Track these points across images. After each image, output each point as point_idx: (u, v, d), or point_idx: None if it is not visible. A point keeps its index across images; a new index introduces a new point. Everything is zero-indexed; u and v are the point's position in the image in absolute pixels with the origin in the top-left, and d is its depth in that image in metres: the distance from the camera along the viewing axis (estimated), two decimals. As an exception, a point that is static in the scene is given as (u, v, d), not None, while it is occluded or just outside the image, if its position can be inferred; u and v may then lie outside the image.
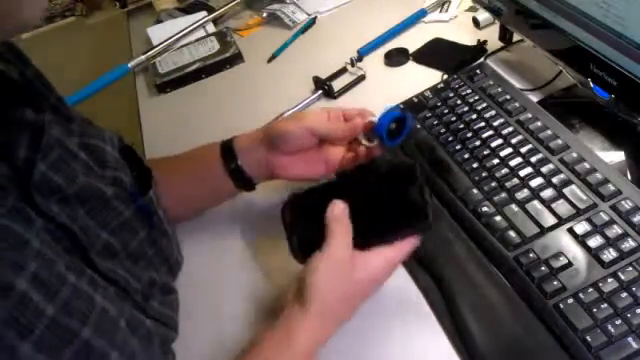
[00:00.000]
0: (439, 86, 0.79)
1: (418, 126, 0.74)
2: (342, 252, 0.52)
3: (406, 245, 0.53)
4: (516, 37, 0.83)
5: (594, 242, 0.55)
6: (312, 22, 1.10)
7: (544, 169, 0.62)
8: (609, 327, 0.49)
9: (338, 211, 0.53)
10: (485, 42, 0.88)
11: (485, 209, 0.61)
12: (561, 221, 0.58)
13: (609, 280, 0.52)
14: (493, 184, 0.63)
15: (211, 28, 1.15)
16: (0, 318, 0.35)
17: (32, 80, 0.49)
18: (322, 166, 0.65)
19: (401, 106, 0.64)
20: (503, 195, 0.62)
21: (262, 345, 0.50)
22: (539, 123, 0.67)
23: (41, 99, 0.47)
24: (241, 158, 0.65)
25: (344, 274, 0.52)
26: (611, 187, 0.58)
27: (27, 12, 0.39)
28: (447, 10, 1.00)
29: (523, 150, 0.65)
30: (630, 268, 0.52)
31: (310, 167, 0.65)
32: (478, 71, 0.78)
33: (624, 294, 0.50)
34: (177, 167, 0.70)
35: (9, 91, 0.45)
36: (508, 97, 0.72)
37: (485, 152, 0.67)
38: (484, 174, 0.65)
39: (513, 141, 0.66)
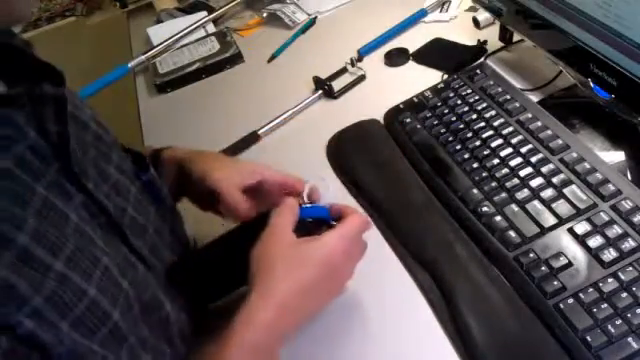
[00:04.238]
0: (439, 86, 0.79)
1: (418, 126, 0.74)
2: (288, 236, 0.51)
3: (353, 221, 0.53)
4: (516, 37, 0.83)
5: (594, 242, 0.55)
6: (312, 22, 1.10)
7: (544, 169, 0.62)
8: (609, 327, 0.49)
9: (285, 202, 0.53)
10: (485, 42, 0.88)
11: (485, 209, 0.61)
12: (561, 221, 0.58)
13: (609, 280, 0.52)
14: (493, 184, 0.63)
15: (211, 28, 1.15)
16: (43, 295, 0.35)
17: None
18: None
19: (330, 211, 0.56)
20: (503, 195, 0.62)
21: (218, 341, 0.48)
22: (539, 123, 0.67)
23: (56, 72, 0.47)
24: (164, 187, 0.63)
25: (293, 258, 0.50)
26: (611, 187, 0.58)
27: (20, 8, 0.40)
28: (447, 10, 1.00)
29: (523, 150, 0.65)
30: (630, 268, 0.52)
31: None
32: (478, 71, 0.78)
33: (624, 294, 0.50)
34: None
35: (30, 67, 0.45)
36: (508, 97, 0.72)
37: (485, 152, 0.67)
38: (484, 174, 0.65)
39: (513, 141, 0.66)
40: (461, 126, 0.72)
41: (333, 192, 0.59)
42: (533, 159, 0.64)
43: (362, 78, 0.91)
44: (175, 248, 0.57)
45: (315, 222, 0.55)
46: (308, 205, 0.56)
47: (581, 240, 0.55)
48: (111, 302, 0.40)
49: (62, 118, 0.43)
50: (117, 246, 0.45)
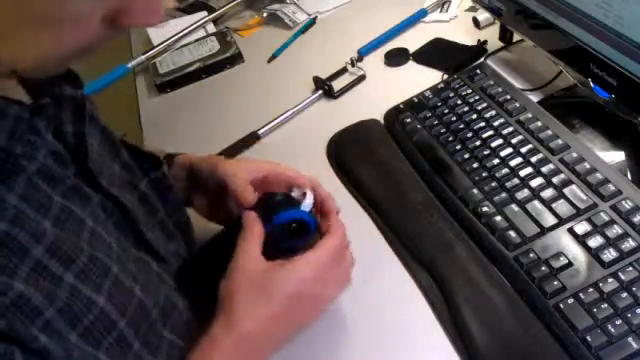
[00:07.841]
0: (439, 86, 0.79)
1: (418, 126, 0.74)
2: (253, 263, 0.50)
3: (327, 244, 0.51)
4: (516, 37, 0.83)
5: (594, 242, 0.55)
6: (312, 22, 1.10)
7: (544, 169, 0.62)
8: (609, 327, 0.49)
9: (248, 219, 0.52)
10: (485, 42, 0.88)
11: (485, 209, 0.61)
12: (561, 221, 0.58)
13: (609, 280, 0.52)
14: (493, 184, 0.63)
15: (211, 28, 1.15)
16: (55, 307, 0.36)
17: None
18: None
19: (313, 212, 0.56)
20: (503, 195, 0.62)
21: None
22: (539, 123, 0.67)
23: (73, 74, 0.47)
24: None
25: (257, 288, 0.48)
26: (611, 187, 0.58)
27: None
28: (447, 10, 1.00)
29: (523, 150, 0.65)
30: (630, 268, 0.52)
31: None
32: (478, 71, 0.78)
33: (624, 294, 0.50)
34: None
35: None
36: (508, 97, 0.72)
37: (485, 152, 0.67)
38: (484, 174, 0.65)
39: (513, 141, 0.66)
40: (461, 126, 0.72)
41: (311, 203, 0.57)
42: (533, 159, 0.64)
43: (362, 78, 0.91)
44: (183, 244, 0.57)
45: (299, 227, 0.54)
46: (290, 210, 0.55)
47: (581, 240, 0.55)
48: (120, 311, 0.40)
49: (79, 118, 0.44)
50: (130, 245, 0.45)
